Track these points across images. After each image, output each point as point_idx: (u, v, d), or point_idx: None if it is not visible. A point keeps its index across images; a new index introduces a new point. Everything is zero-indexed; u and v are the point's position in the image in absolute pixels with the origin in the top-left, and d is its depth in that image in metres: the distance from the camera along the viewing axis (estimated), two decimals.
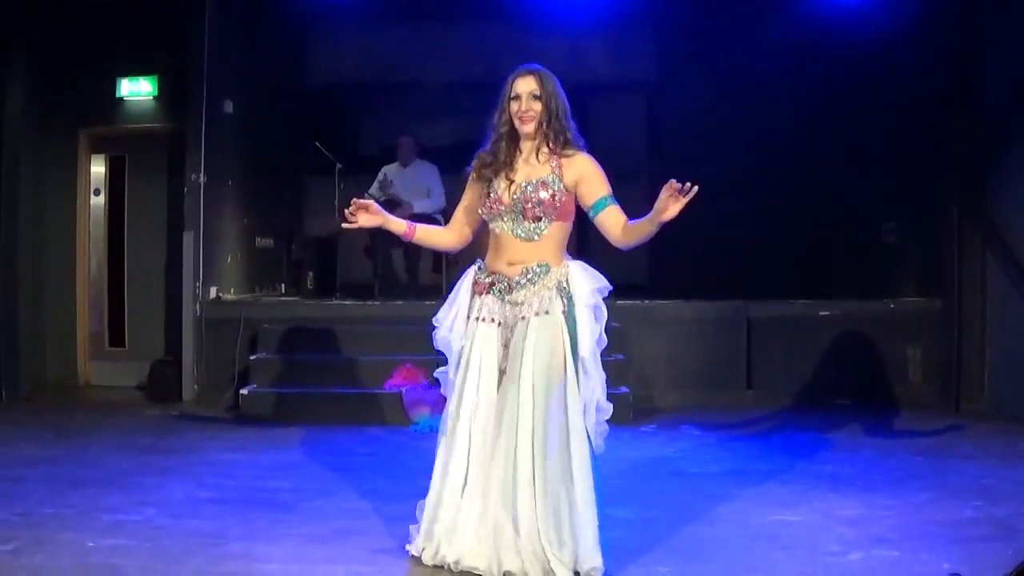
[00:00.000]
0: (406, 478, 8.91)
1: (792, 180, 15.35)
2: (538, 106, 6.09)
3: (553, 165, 6.06)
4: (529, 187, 6.01)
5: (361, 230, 6.65)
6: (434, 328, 6.44)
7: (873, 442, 10.74)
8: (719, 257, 15.25)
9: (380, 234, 13.79)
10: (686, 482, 8.85)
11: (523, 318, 6.00)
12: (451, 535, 6.11)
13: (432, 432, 11.18)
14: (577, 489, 5.91)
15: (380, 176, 14.61)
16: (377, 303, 13.60)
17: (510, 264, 6.08)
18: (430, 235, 6.77)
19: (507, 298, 6.06)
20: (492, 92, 16.78)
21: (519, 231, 6.04)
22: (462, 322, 6.24)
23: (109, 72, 14.58)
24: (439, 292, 13.90)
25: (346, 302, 13.81)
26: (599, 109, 15.87)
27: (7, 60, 13.76)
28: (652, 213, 5.72)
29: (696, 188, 5.58)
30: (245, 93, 14.52)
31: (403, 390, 11.86)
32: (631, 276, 15.31)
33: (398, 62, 16.64)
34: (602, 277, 6.15)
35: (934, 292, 13.37)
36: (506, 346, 6.05)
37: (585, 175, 6.06)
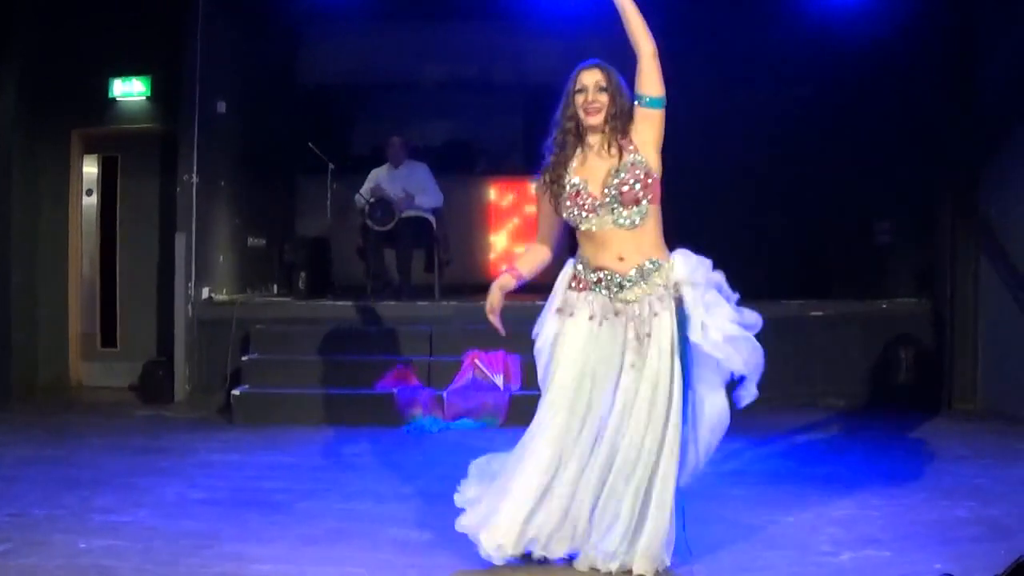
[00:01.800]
0: (399, 479, 8.93)
1: (785, 180, 15.38)
2: (604, 98, 6.02)
3: (630, 148, 5.99)
4: (623, 172, 5.93)
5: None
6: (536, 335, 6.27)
7: (865, 442, 10.75)
8: (710, 257, 15.19)
9: (372, 234, 13.90)
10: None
11: (639, 317, 5.94)
12: (560, 528, 6.01)
13: (426, 432, 11.25)
14: (668, 486, 5.96)
15: (369, 178, 14.56)
16: (369, 304, 13.57)
17: (620, 259, 5.96)
18: (533, 265, 6.45)
19: (617, 295, 5.96)
20: (484, 91, 16.83)
21: (622, 220, 5.92)
22: (556, 323, 6.09)
23: (101, 72, 14.57)
24: (431, 292, 13.94)
25: (338, 303, 13.79)
26: None
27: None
28: None
29: None
30: (238, 94, 14.51)
31: (396, 391, 11.86)
32: None
33: (390, 63, 16.66)
34: (706, 260, 6.22)
35: (927, 292, 13.39)
36: (638, 338, 5.94)
37: (636, 125, 6.04)
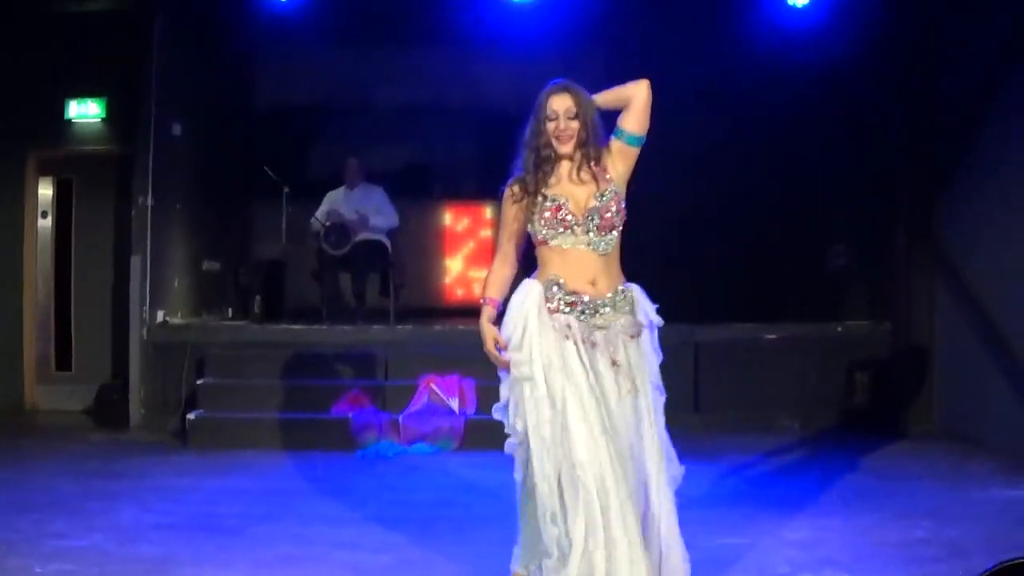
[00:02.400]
0: (354, 504, 8.90)
1: (739, 204, 15.45)
2: (576, 124, 5.87)
3: (606, 176, 5.91)
4: (605, 195, 5.83)
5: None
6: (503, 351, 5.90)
7: (822, 464, 10.78)
8: (666, 281, 15.17)
9: (327, 258, 13.88)
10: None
11: (632, 337, 5.86)
12: (612, 557, 5.63)
13: (381, 457, 11.22)
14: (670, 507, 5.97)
15: (325, 201, 14.55)
16: (324, 327, 13.55)
17: (593, 284, 5.83)
18: (504, 288, 6.08)
19: (590, 320, 5.80)
20: (440, 115, 16.81)
21: (598, 244, 5.82)
22: (549, 343, 5.78)
23: (57, 94, 14.53)
24: (386, 316, 13.91)
25: (294, 326, 13.76)
26: None
27: None
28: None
29: None
30: (193, 116, 14.47)
31: (351, 415, 11.83)
32: None
33: (346, 86, 16.65)
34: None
35: (883, 315, 13.44)
36: (614, 364, 5.78)
37: (610, 151, 5.94)
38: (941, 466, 10.60)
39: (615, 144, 5.94)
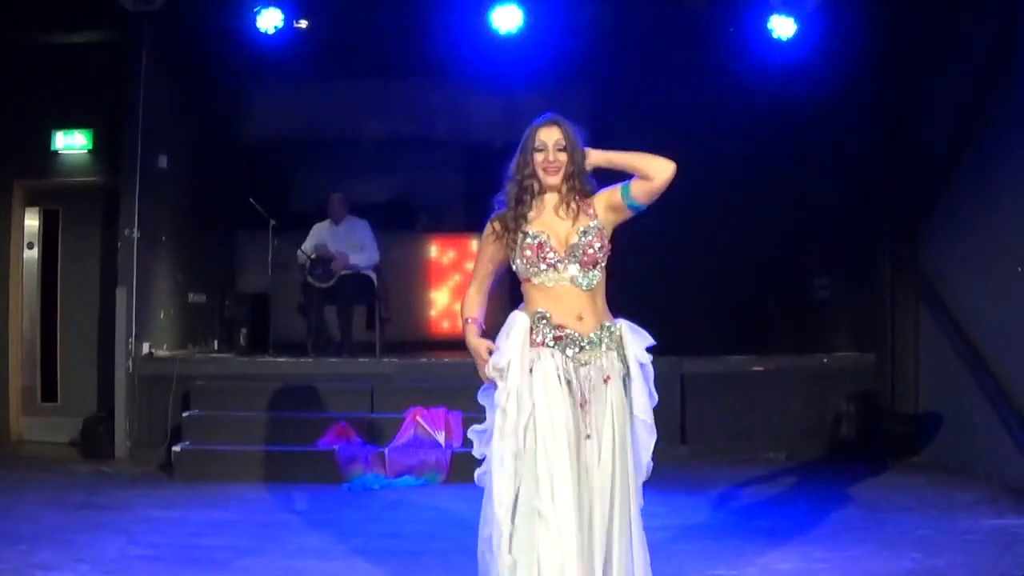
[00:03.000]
0: (340, 536, 8.89)
1: (725, 235, 15.51)
2: (563, 157, 5.87)
3: (590, 212, 5.88)
4: (589, 232, 5.80)
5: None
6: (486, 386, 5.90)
7: (809, 495, 10.78)
8: (652, 313, 15.20)
9: (313, 291, 13.90)
10: None
11: (605, 380, 5.75)
12: None
13: (367, 490, 11.20)
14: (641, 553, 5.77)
15: (311, 234, 14.57)
16: (310, 360, 13.55)
17: (580, 319, 5.77)
18: (482, 308, 6.12)
19: (575, 355, 5.74)
20: (425, 148, 16.87)
21: (581, 280, 5.76)
22: (525, 376, 5.74)
23: (44, 125, 14.53)
24: (372, 349, 13.90)
25: (279, 359, 13.75)
26: None
27: None
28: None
29: None
30: (180, 148, 14.48)
31: (337, 448, 11.80)
32: None
33: (331, 119, 16.69)
34: (646, 333, 5.98)
35: (867, 346, 13.48)
36: (581, 406, 5.70)
37: (605, 197, 5.91)
38: (927, 496, 10.61)
39: (614, 197, 5.91)
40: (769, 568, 7.71)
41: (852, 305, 14.07)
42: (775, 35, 13.59)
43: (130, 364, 13.11)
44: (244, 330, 15.03)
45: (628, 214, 5.95)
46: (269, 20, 13.64)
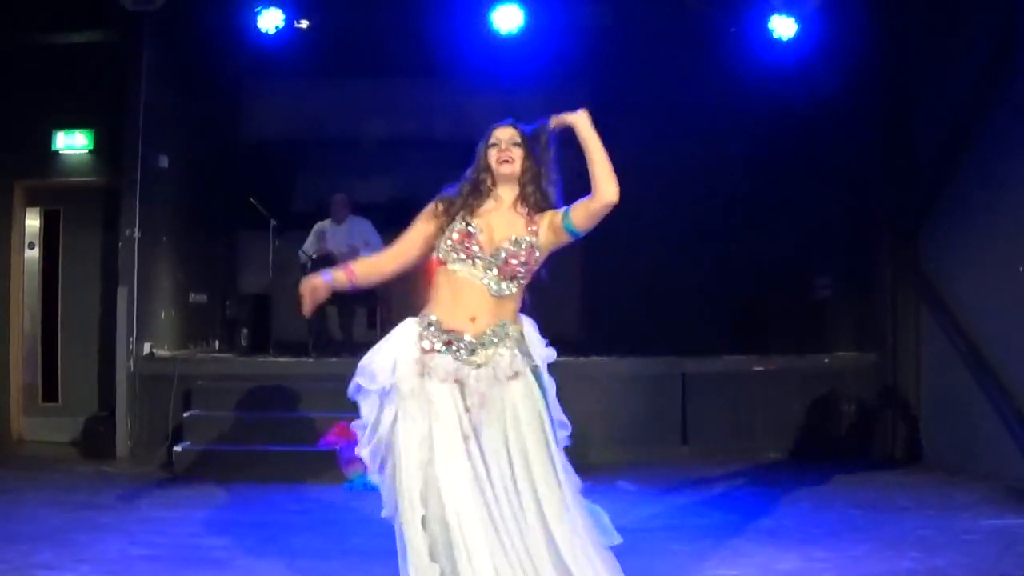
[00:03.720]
0: (341, 536, 8.88)
1: (726, 236, 15.50)
2: (518, 151, 5.88)
3: (532, 228, 5.78)
4: (520, 244, 5.72)
5: (295, 286, 6.27)
6: (359, 383, 5.94)
7: (809, 495, 10.76)
8: (653, 313, 15.30)
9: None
10: (622, 538, 8.82)
11: (508, 378, 5.65)
12: None
13: (367, 490, 11.17)
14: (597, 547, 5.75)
15: (313, 233, 14.60)
16: (311, 360, 13.54)
17: (473, 320, 5.69)
18: (371, 268, 6.24)
19: (467, 359, 5.66)
20: (427, 148, 16.85)
21: (491, 284, 5.69)
22: (416, 381, 5.69)
23: (44, 125, 14.54)
24: None
25: (280, 359, 13.76)
26: None
27: None
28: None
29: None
30: (180, 148, 14.49)
31: (338, 448, 11.78)
32: (565, 332, 15.33)
33: (332, 119, 16.68)
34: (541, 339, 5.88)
35: (868, 346, 13.48)
36: (471, 410, 5.60)
37: (547, 218, 5.79)
38: (928, 495, 10.61)
39: (555, 219, 5.80)
40: (769, 568, 7.71)
41: (853, 305, 14.07)
42: (776, 35, 13.61)
43: (131, 364, 13.11)
44: (245, 330, 15.02)
45: (566, 238, 5.80)
46: (270, 20, 13.69)
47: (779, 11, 13.49)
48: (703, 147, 15.38)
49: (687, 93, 15.07)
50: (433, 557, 5.47)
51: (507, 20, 13.75)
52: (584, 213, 5.72)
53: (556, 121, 5.80)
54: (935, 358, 12.71)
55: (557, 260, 5.92)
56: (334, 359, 13.50)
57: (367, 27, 14.58)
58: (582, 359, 13.34)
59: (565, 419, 5.89)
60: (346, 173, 16.54)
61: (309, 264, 14.00)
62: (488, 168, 5.90)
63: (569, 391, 12.78)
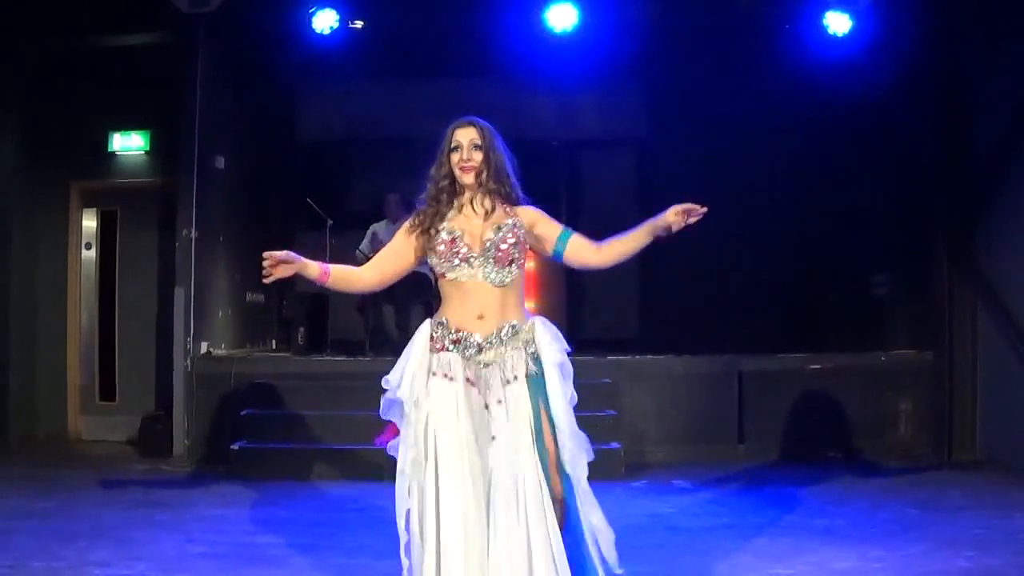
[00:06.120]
0: (395, 535, 8.88)
1: (782, 234, 15.45)
2: (479, 155, 5.96)
3: (509, 212, 5.87)
4: (503, 229, 5.79)
5: (292, 280, 6.34)
6: (385, 391, 6.20)
7: (865, 494, 10.70)
8: (709, 311, 15.29)
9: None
10: (679, 537, 8.82)
11: (507, 381, 5.67)
12: None
13: None
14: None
15: (369, 234, 14.64)
16: (367, 359, 13.56)
17: (480, 318, 5.74)
18: (347, 275, 6.28)
19: (475, 357, 5.73)
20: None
21: (492, 276, 5.73)
22: (421, 383, 5.94)
23: (101, 126, 14.67)
24: None
25: (336, 358, 13.81)
26: (589, 165, 15.98)
27: None
28: (649, 224, 5.62)
29: (705, 209, 5.52)
30: (237, 149, 14.55)
31: (393, 446, 11.79)
32: (621, 331, 15.35)
33: (388, 118, 16.67)
34: (560, 334, 5.83)
35: (925, 344, 13.37)
36: (484, 408, 5.69)
37: (537, 219, 5.90)
38: (985, 495, 10.54)
39: (547, 232, 5.93)
40: (825, 567, 7.68)
41: (909, 302, 13.97)
42: (830, 31, 13.54)
43: (188, 363, 13.16)
44: (302, 329, 15.06)
45: (546, 253, 5.94)
46: (324, 21, 13.74)
47: (833, 7, 13.44)
48: (757, 144, 15.34)
49: (741, 90, 15.04)
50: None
51: (561, 19, 13.75)
52: (578, 258, 5.90)
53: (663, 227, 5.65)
54: (992, 355, 12.61)
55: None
56: (390, 358, 13.47)
57: (421, 27, 14.60)
58: (638, 358, 13.33)
59: (580, 431, 5.70)
60: (401, 172, 16.38)
61: (366, 263, 14.01)
62: (450, 175, 5.98)
63: (625, 390, 12.84)
